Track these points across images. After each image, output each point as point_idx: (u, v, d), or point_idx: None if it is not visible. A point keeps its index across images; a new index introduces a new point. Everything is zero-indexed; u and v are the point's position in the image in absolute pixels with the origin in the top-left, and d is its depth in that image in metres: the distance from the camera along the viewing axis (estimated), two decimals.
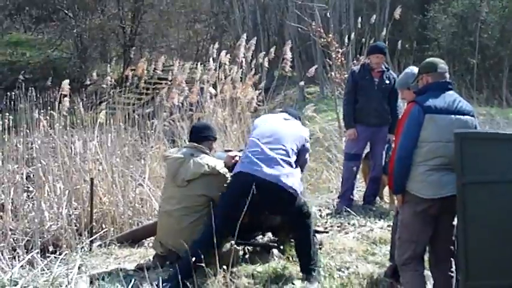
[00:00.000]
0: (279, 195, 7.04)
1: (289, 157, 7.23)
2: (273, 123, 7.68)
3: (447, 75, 6.44)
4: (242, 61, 13.12)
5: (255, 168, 7.06)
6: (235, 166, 7.47)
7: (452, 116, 6.12)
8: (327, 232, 8.80)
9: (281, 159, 7.15)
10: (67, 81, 11.90)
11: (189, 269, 6.69)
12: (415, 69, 7.16)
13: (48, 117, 11.39)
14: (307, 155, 7.80)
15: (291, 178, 7.11)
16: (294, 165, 7.28)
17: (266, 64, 13.55)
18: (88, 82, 17.42)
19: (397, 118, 9.68)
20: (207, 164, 7.43)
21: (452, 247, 6.42)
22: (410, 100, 6.85)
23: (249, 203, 6.81)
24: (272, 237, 8.30)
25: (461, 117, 6.16)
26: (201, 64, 13.50)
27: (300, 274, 7.26)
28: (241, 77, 13.19)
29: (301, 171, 7.65)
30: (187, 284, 6.66)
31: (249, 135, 7.74)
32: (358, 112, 10.29)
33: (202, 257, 6.61)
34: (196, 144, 7.73)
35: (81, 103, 12.71)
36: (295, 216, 7.31)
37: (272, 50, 13.92)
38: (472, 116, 6.28)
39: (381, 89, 10.27)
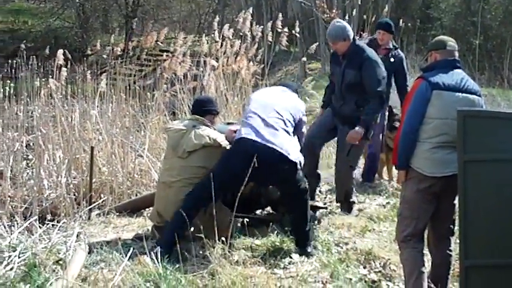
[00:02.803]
0: (279, 162, 7.05)
1: (286, 126, 7.27)
2: (270, 95, 7.73)
3: (456, 53, 6.40)
4: (247, 35, 13.06)
5: (256, 135, 7.09)
6: None
7: (460, 93, 6.09)
8: (325, 208, 8.81)
9: (279, 127, 7.20)
10: (61, 50, 11.82)
11: (179, 230, 6.83)
12: (343, 22, 8.59)
13: (49, 86, 11.33)
14: (303, 128, 7.82)
15: (290, 146, 7.15)
16: (292, 135, 7.33)
17: (264, 39, 13.47)
18: (89, 52, 17.33)
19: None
20: (208, 136, 7.42)
21: (452, 226, 6.42)
22: (344, 51, 7.97)
23: (249, 171, 6.82)
24: (271, 212, 8.32)
25: (469, 95, 6.13)
26: (205, 37, 13.42)
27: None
28: (245, 52, 13.13)
29: (300, 141, 7.66)
30: (186, 253, 6.67)
31: (245, 108, 7.74)
32: None
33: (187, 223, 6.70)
34: (198, 117, 7.72)
35: (81, 73, 12.70)
36: (292, 189, 7.33)
37: (269, 24, 13.80)
38: (479, 95, 6.25)
39: (384, 67, 10.26)
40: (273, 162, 7.01)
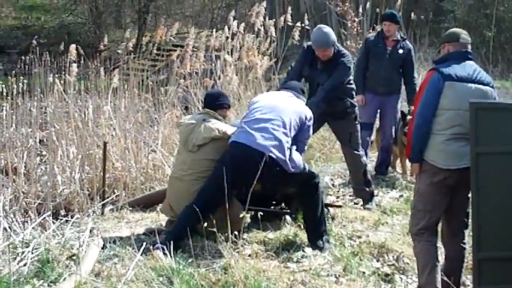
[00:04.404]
0: (270, 166, 6.95)
1: (285, 129, 7.17)
2: (274, 99, 7.66)
3: (469, 46, 6.40)
4: (259, 29, 13.03)
5: (248, 138, 7.08)
6: None
7: (472, 85, 6.08)
8: (340, 206, 8.80)
9: (275, 129, 7.12)
10: (73, 45, 11.86)
11: (182, 232, 6.83)
12: (327, 27, 8.90)
13: (62, 82, 11.35)
14: (308, 133, 7.66)
15: (282, 148, 7.07)
16: (290, 139, 7.21)
17: (274, 33, 13.42)
18: (102, 48, 17.36)
19: (413, 90, 9.74)
20: (218, 129, 7.42)
21: (465, 219, 6.41)
22: (328, 57, 8.25)
23: (247, 174, 6.83)
24: (284, 206, 8.31)
25: (481, 87, 6.12)
26: (216, 31, 13.43)
27: None
28: (258, 47, 13.12)
29: (302, 148, 7.59)
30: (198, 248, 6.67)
31: (248, 109, 7.71)
32: (368, 79, 10.32)
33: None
34: (209, 110, 7.73)
35: (95, 68, 12.73)
36: (300, 187, 7.37)
37: (282, 18, 13.75)
38: (492, 87, 6.25)
39: (392, 58, 10.31)
40: (263, 164, 6.85)
